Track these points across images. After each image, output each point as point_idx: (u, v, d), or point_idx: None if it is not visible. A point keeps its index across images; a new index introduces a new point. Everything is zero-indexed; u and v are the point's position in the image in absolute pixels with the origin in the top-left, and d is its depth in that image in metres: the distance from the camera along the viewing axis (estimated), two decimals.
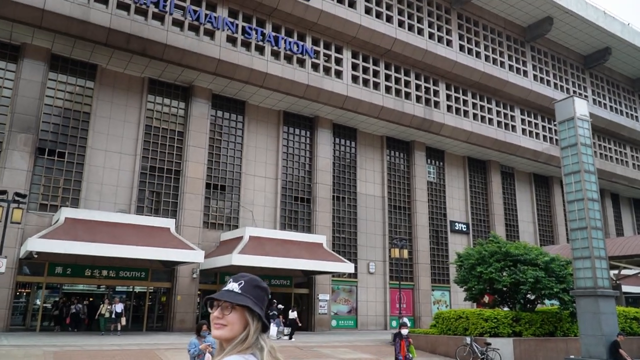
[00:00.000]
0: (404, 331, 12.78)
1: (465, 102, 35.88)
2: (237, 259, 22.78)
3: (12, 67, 23.80)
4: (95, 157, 24.89)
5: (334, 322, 30.01)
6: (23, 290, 23.10)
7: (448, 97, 35.10)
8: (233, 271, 25.72)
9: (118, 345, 16.72)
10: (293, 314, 23.41)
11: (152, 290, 25.92)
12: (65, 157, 24.23)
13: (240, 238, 24.84)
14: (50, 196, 23.60)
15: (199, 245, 24.54)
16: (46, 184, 23.64)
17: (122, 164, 25.51)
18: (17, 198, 17.79)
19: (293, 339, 21.84)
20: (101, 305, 22.03)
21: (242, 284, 1.96)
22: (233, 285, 1.97)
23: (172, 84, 27.56)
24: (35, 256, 20.15)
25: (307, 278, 29.44)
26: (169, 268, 25.29)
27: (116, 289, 25.17)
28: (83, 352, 15.38)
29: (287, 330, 22.98)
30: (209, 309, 1.99)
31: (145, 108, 26.67)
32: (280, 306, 24.85)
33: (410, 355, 12.44)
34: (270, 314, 22.86)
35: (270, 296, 2.06)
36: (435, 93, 34.52)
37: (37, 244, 19.31)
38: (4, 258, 16.82)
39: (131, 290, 25.33)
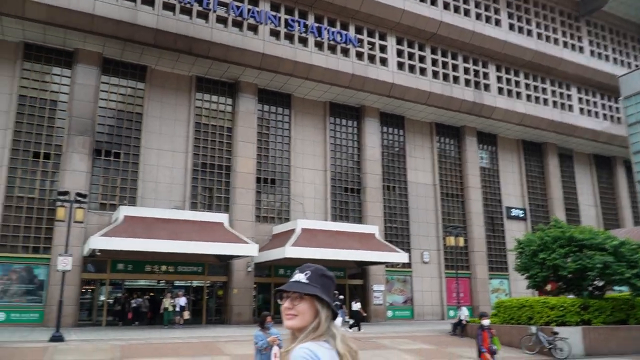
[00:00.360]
0: (485, 322, 12.03)
1: (517, 83, 34.54)
2: (290, 251, 22.81)
3: (67, 72, 24.66)
4: (148, 156, 25.51)
5: (389, 313, 29.69)
6: (88, 287, 24.01)
7: (499, 78, 33.88)
8: (286, 264, 25.87)
9: (180, 338, 17.07)
10: (357, 306, 23.28)
11: (209, 285, 26.40)
12: (120, 157, 24.98)
13: (292, 231, 24.89)
14: (109, 195, 24.40)
15: (252, 239, 24.74)
16: (104, 184, 24.45)
17: (175, 161, 26.04)
18: (78, 198, 18.42)
19: (362, 330, 21.83)
20: (164, 299, 22.58)
21: (309, 274, 1.99)
22: (300, 276, 1.99)
23: (218, 80, 27.85)
24: (98, 254, 20.86)
25: (361, 269, 29.22)
26: (224, 262, 25.67)
27: (175, 284, 25.79)
28: (148, 345, 15.78)
29: (351, 321, 23.00)
30: (279, 301, 2.00)
31: (193, 106, 27.09)
32: (340, 297, 24.76)
33: (495, 347, 11.80)
34: (335, 304, 22.76)
35: (335, 285, 2.06)
36: (485, 75, 33.39)
37: (99, 242, 19.99)
38: (69, 256, 17.47)
39: (189, 284, 25.87)
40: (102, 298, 24.08)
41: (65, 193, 18.52)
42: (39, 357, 13.56)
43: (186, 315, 22.24)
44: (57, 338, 15.99)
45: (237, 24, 26.22)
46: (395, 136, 33.24)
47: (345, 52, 28.81)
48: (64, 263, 17.27)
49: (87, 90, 24.26)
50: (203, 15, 25.43)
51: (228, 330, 21.34)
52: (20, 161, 23.08)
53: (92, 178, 24.02)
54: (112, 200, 24.33)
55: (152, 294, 25.92)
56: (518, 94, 34.25)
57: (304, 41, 27.77)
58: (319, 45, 28.15)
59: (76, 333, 18.60)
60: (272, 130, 29.27)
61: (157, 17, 24.11)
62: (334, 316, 1.99)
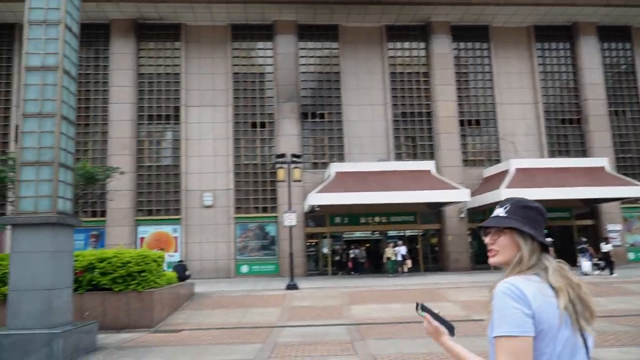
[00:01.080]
0: None
1: None
2: (506, 193, 21.22)
3: (269, 45, 26.47)
4: (349, 112, 26.17)
5: (631, 255, 25.94)
6: (312, 241, 26.07)
7: None
8: None
9: (402, 285, 17.37)
10: (607, 247, 20.79)
11: (422, 233, 26.38)
12: (324, 117, 26.14)
13: (505, 172, 23.18)
14: (319, 154, 25.89)
15: (461, 184, 23.77)
16: (314, 145, 26.00)
17: (375, 115, 26.24)
18: (293, 159, 19.82)
19: (615, 274, 19.52)
20: (386, 249, 23.26)
21: (508, 207, 1.91)
22: (499, 211, 1.93)
23: (409, 25, 26.92)
24: (317, 209, 22.34)
25: (590, 208, 25.96)
26: (434, 210, 25.28)
27: (388, 234, 26.40)
28: (372, 292, 16.40)
29: (601, 264, 20.84)
30: (483, 238, 1.96)
31: (386, 57, 26.74)
32: (582, 239, 22.32)
33: None
34: (579, 247, 21.15)
35: (545, 216, 1.93)
36: None
37: (315, 199, 21.35)
38: (293, 213, 19.01)
39: (402, 234, 26.21)
40: (325, 250, 25.92)
41: (282, 156, 20.06)
42: (279, 302, 15.12)
43: (409, 264, 22.61)
44: (292, 286, 17.64)
45: None
46: (620, 52, 28.21)
47: None
48: (289, 219, 18.84)
49: (288, 59, 25.76)
50: None
51: (447, 277, 21.06)
52: (242, 132, 25.80)
53: (303, 140, 25.67)
54: (323, 159, 25.73)
55: (367, 245, 27.01)
56: None
57: None
58: None
59: (307, 282, 20.34)
60: (470, 68, 27.41)
61: None
62: (544, 249, 1.85)
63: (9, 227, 8.83)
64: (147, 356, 8.66)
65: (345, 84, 26.43)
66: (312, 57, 26.84)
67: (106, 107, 25.31)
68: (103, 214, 24.33)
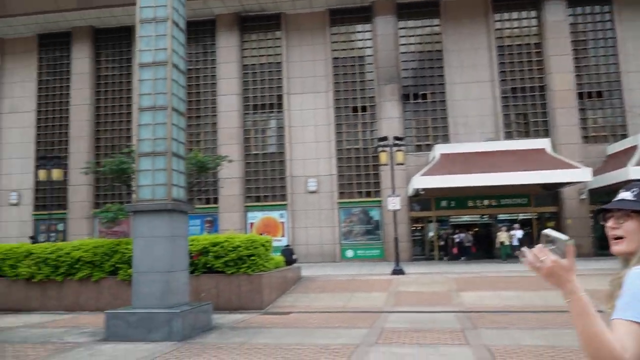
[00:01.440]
0: None
1: None
2: (635, 172, 19.11)
3: (368, 27, 26.07)
4: (454, 91, 25.06)
5: None
6: (417, 225, 25.49)
7: None
8: None
9: (517, 272, 16.35)
10: None
11: (536, 217, 24.67)
12: (427, 97, 25.28)
13: (634, 148, 20.86)
14: (422, 137, 25.15)
15: (581, 162, 21.80)
16: (416, 126, 25.30)
17: (481, 92, 24.88)
18: (396, 142, 19.36)
19: None
20: (499, 234, 22.11)
21: (636, 191, 1.71)
22: (625, 194, 1.73)
23: None
24: (422, 193, 21.73)
25: None
26: (550, 191, 23.48)
27: (498, 217, 25.05)
28: (483, 278, 15.63)
29: None
30: (602, 222, 1.79)
31: (493, 29, 25.16)
32: None
33: None
34: None
35: None
36: None
37: (420, 182, 20.77)
38: (397, 196, 18.63)
39: (515, 217, 24.71)
40: (431, 234, 25.23)
41: (384, 139, 19.69)
42: (386, 286, 14.92)
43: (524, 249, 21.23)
44: (397, 271, 17.36)
45: None
46: None
47: None
48: (393, 203, 18.50)
49: (387, 40, 25.21)
50: None
51: None
52: (343, 117, 25.78)
53: (405, 122, 25.08)
54: (426, 141, 24.97)
55: (476, 229, 25.84)
56: None
57: None
58: None
59: (412, 267, 19.93)
60: (589, 35, 24.94)
61: None
62: None
63: (131, 214, 9.50)
64: (257, 336, 8.92)
65: (449, 61, 25.31)
66: (413, 36, 26.01)
67: (215, 99, 26.58)
68: (216, 201, 25.72)
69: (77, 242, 13.72)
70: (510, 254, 21.12)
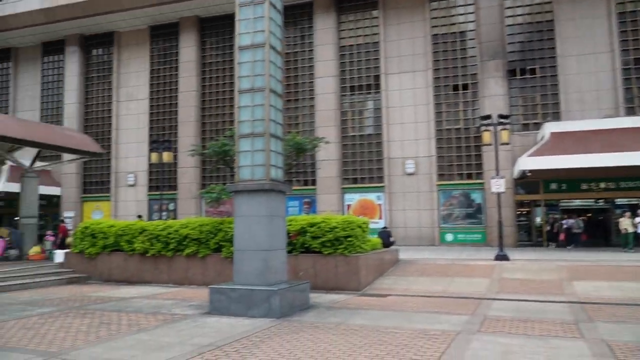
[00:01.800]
0: None
1: None
2: None
3: (470, 0, 24.69)
4: (566, 65, 23.08)
5: None
6: (522, 209, 24.00)
7: None
8: None
9: (638, 262, 14.80)
10: None
11: None
12: (536, 72, 23.55)
13: None
14: (530, 115, 23.52)
15: None
16: (523, 104, 23.70)
17: (598, 65, 22.67)
18: (501, 120, 18.22)
19: None
20: (621, 220, 20.14)
21: None
22: None
23: None
24: (528, 174, 20.36)
25: None
26: None
27: (616, 202, 22.84)
28: (599, 267, 14.33)
29: None
30: None
31: None
32: None
33: None
34: None
35: None
36: None
37: (527, 163, 19.45)
38: (501, 178, 17.59)
39: (637, 202, 22.40)
40: (538, 219, 23.64)
41: (488, 117, 18.61)
42: (488, 272, 14.20)
43: None
44: (501, 257, 16.46)
45: None
46: None
47: None
48: (497, 185, 17.50)
49: (492, 12, 23.77)
50: None
51: None
52: (443, 96, 24.79)
53: (510, 100, 23.60)
54: (534, 119, 23.32)
55: (589, 214, 23.76)
56: None
57: None
58: None
59: (517, 253, 18.81)
60: None
61: None
62: None
63: (232, 193, 9.81)
64: (354, 317, 8.86)
65: (561, 33, 23.30)
66: (520, 6, 24.24)
67: (312, 82, 26.76)
68: (314, 182, 26.06)
69: (184, 221, 14.55)
70: (634, 243, 19.17)
